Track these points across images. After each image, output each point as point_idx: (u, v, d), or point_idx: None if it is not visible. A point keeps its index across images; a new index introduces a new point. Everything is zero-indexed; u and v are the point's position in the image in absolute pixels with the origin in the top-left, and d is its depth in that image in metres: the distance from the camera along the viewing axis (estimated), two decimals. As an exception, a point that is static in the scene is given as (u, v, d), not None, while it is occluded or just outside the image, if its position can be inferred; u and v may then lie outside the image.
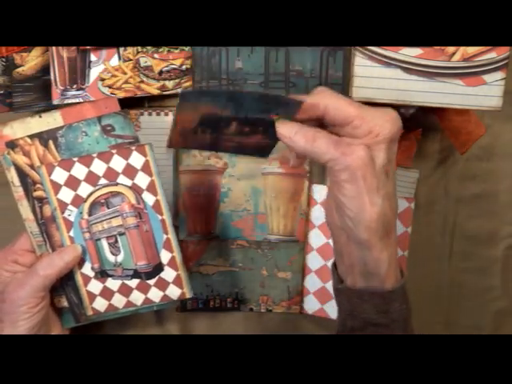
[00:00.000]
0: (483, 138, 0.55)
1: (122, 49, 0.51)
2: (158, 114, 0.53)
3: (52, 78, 0.50)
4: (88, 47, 0.50)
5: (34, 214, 0.47)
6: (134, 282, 0.48)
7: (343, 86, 0.50)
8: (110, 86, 0.51)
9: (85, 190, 0.46)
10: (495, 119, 0.57)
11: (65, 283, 0.49)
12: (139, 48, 0.51)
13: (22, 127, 0.47)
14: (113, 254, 0.48)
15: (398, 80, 0.48)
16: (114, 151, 0.46)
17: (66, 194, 0.46)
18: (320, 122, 0.40)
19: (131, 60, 0.51)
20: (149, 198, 0.47)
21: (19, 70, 0.51)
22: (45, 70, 0.51)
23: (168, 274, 0.48)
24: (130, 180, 0.46)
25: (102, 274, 0.48)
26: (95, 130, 0.47)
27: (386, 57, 0.48)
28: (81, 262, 0.48)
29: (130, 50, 0.51)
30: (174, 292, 0.49)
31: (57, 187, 0.46)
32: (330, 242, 0.55)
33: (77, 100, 0.51)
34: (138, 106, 0.53)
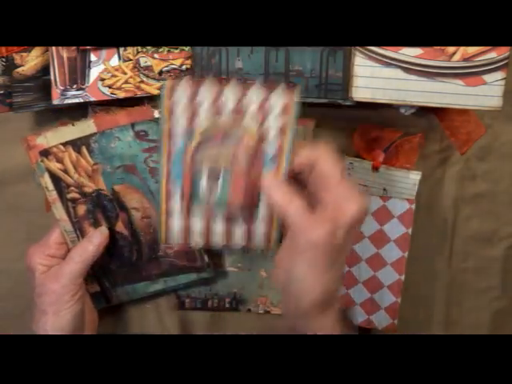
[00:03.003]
0: (483, 138, 0.55)
1: (121, 49, 0.51)
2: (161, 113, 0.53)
3: (52, 78, 0.50)
4: (88, 47, 0.50)
5: (67, 215, 0.50)
6: (219, 223, 0.44)
7: (343, 86, 0.50)
8: (109, 86, 0.51)
9: (204, 117, 0.42)
10: (495, 119, 0.57)
11: (97, 270, 0.52)
12: (139, 48, 0.51)
13: (55, 136, 0.49)
14: (208, 190, 0.43)
15: (398, 80, 0.48)
16: (255, 84, 0.41)
17: (180, 119, 0.41)
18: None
19: (131, 60, 0.51)
20: (272, 142, 0.42)
21: (19, 70, 0.51)
22: (45, 69, 0.51)
23: (262, 225, 0.44)
24: (260, 119, 0.42)
25: (188, 210, 0.44)
26: (128, 135, 0.49)
27: (386, 57, 0.48)
28: (169, 196, 0.43)
29: (129, 49, 0.51)
30: (258, 240, 0.45)
31: (173, 109, 0.41)
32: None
33: (77, 100, 0.51)
34: (138, 106, 0.53)
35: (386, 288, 0.56)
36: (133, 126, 0.49)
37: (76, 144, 0.49)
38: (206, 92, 0.41)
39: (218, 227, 0.44)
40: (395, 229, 0.56)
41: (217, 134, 0.42)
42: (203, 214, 0.44)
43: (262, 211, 0.44)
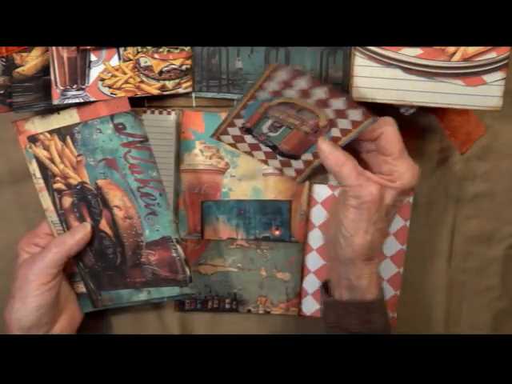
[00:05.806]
0: (483, 138, 0.55)
1: (121, 49, 0.51)
2: (161, 113, 0.53)
3: (52, 77, 0.50)
4: (88, 47, 0.50)
5: (53, 205, 0.50)
6: (266, 149, 0.51)
7: (343, 86, 0.50)
8: (109, 86, 0.51)
9: (287, 95, 0.46)
10: (495, 119, 0.57)
11: (82, 269, 0.52)
12: (139, 48, 0.51)
13: (42, 122, 0.50)
14: (269, 130, 0.49)
15: (398, 80, 0.48)
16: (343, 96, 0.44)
17: (265, 93, 0.46)
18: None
19: (131, 60, 0.51)
20: (335, 132, 0.46)
21: (19, 69, 0.51)
22: (45, 70, 0.51)
23: (299, 164, 0.51)
24: (334, 116, 0.45)
25: (247, 132, 0.50)
26: (108, 127, 0.49)
27: (386, 57, 0.48)
28: (237, 117, 0.49)
29: (129, 50, 0.51)
30: (291, 172, 0.53)
31: (263, 85, 0.46)
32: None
33: (77, 100, 0.50)
34: (138, 106, 0.53)
35: (385, 282, 0.56)
36: (112, 118, 0.49)
37: (61, 133, 0.49)
38: (297, 84, 0.44)
39: (263, 149, 0.51)
40: (394, 222, 0.56)
41: (295, 106, 0.46)
42: (256, 137, 0.50)
43: (304, 157, 0.50)
